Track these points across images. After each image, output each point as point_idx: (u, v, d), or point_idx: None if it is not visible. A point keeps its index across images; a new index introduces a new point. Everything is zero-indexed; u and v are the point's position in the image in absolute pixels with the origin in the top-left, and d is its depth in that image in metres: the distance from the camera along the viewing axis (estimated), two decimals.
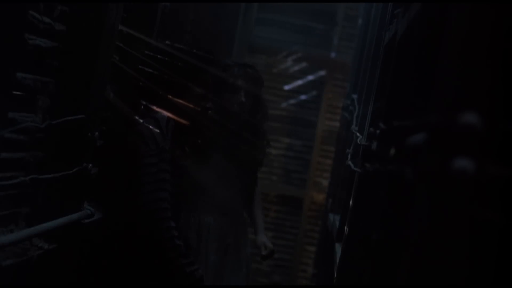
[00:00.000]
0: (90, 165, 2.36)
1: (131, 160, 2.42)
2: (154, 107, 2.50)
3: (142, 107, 2.54)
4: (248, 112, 3.13)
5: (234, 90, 3.09)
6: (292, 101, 7.31)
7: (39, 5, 2.06)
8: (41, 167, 2.20)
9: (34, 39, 2.05)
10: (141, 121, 2.45)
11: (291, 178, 7.14)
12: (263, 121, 3.23)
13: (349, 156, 3.66)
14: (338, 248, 3.53)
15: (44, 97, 2.19)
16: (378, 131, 2.37)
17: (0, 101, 1.85)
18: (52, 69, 2.22)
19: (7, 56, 1.84)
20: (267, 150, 3.33)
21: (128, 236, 2.47)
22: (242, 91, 3.08)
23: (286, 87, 7.36)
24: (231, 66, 3.17)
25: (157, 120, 2.45)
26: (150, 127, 2.42)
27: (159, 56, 2.53)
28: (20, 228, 2.13)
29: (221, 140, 3.11)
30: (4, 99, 1.88)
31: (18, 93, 2.02)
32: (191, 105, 2.55)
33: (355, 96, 4.69)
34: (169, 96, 2.52)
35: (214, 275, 3.10)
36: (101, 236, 2.50)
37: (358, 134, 3.46)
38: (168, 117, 2.46)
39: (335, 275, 3.20)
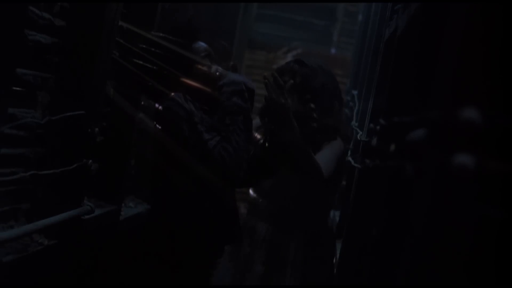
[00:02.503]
0: (90, 161, 2.36)
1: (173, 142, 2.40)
2: (166, 93, 2.48)
3: (152, 93, 2.53)
4: (296, 110, 2.74)
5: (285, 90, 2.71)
6: None
7: (39, 1, 2.06)
8: (41, 163, 2.20)
9: (34, 35, 2.05)
10: (163, 106, 2.44)
11: None
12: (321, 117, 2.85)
13: (349, 152, 3.66)
14: (338, 244, 3.54)
15: (44, 93, 2.19)
16: (378, 127, 2.37)
17: (0, 97, 1.85)
18: (52, 64, 2.22)
19: (7, 52, 1.84)
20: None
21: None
22: (286, 90, 2.68)
23: None
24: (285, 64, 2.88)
25: (177, 100, 2.43)
26: (174, 108, 2.40)
27: (154, 49, 2.54)
28: (20, 224, 2.13)
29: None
30: (4, 95, 1.88)
31: (18, 89, 2.02)
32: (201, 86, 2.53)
33: (355, 92, 4.70)
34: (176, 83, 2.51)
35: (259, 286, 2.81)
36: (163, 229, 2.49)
37: (358, 130, 3.46)
38: (183, 96, 2.45)
39: (335, 272, 3.20)
